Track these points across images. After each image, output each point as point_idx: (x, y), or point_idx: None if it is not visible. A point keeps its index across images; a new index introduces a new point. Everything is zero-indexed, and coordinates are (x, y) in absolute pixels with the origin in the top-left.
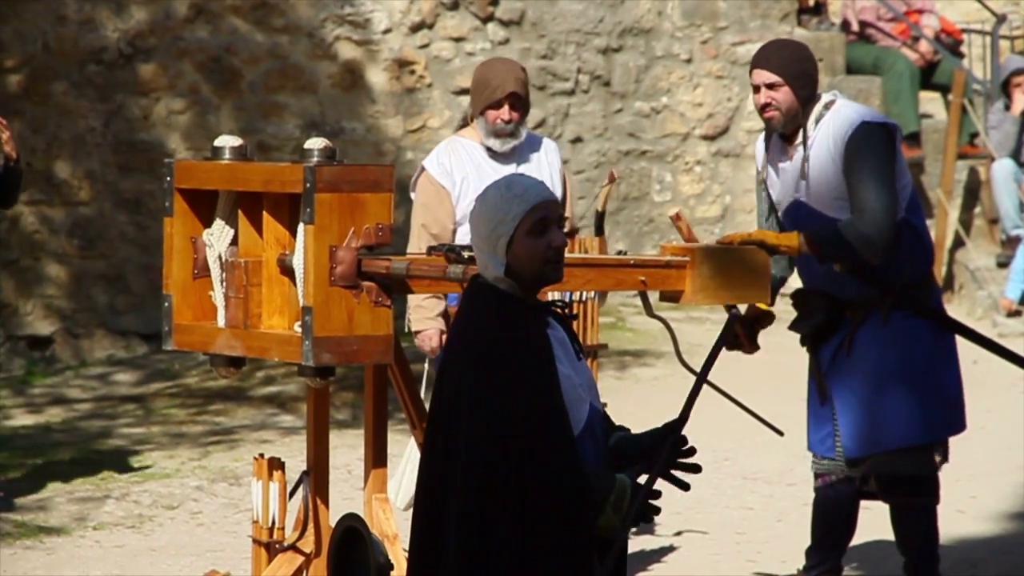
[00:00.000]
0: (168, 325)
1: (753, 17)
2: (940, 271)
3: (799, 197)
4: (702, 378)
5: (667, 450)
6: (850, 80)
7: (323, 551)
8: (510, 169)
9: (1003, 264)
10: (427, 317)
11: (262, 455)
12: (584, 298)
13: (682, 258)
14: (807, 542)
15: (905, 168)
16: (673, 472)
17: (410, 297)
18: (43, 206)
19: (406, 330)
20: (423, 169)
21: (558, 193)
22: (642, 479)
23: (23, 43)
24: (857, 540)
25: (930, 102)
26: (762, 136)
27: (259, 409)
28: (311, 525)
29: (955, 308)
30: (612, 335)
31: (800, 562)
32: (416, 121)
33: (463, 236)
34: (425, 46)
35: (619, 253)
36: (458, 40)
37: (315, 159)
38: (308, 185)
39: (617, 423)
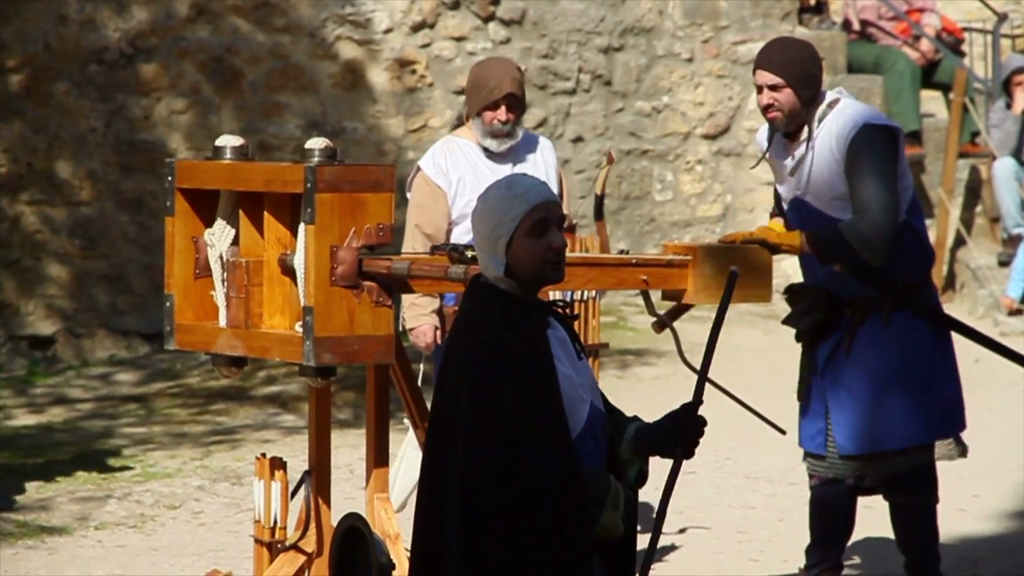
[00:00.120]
0: (170, 325)
1: (754, 16)
2: (941, 270)
3: (800, 195)
4: (712, 344)
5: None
6: (851, 79)
7: (325, 551)
8: (506, 168)
9: (1004, 263)
10: (421, 314)
11: (264, 455)
12: (585, 297)
13: (684, 257)
14: (808, 541)
15: (907, 170)
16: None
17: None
18: (44, 206)
19: (400, 328)
20: (419, 169)
21: (554, 191)
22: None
23: (24, 43)
24: (858, 538)
25: (931, 101)
26: (765, 127)
27: (261, 409)
28: (313, 525)
29: (956, 307)
30: (613, 334)
31: (802, 561)
32: (417, 121)
33: (459, 235)
34: (426, 46)
35: (621, 252)
36: (459, 40)
37: (316, 159)
38: (309, 185)
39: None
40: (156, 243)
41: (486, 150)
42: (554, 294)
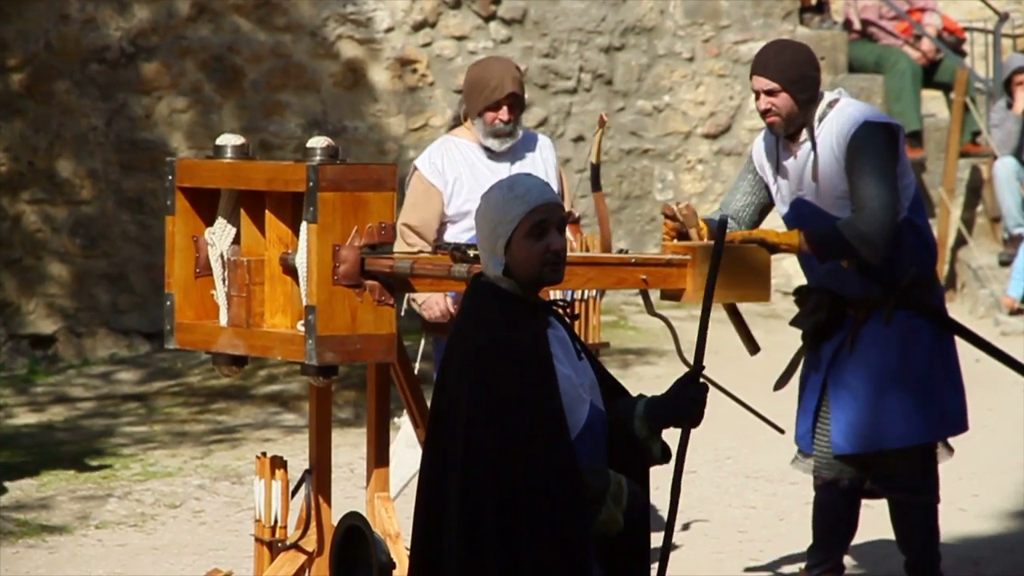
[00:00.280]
0: (170, 324)
1: (755, 16)
2: (943, 270)
3: (802, 195)
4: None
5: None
6: (852, 79)
7: (325, 550)
8: (505, 167)
9: (1005, 262)
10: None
11: (264, 454)
12: (586, 296)
13: (683, 256)
14: (809, 541)
15: (908, 168)
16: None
17: None
18: (45, 205)
19: (404, 309)
20: (415, 168)
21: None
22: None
23: (25, 42)
24: (859, 539)
25: (932, 101)
26: (764, 131)
27: (261, 408)
28: (313, 524)
29: (957, 306)
30: (614, 333)
31: (802, 561)
32: (418, 120)
33: (454, 234)
34: (427, 45)
35: (621, 252)
36: (460, 39)
37: (318, 158)
38: (311, 184)
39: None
40: (157, 242)
41: (486, 149)
42: (555, 293)
